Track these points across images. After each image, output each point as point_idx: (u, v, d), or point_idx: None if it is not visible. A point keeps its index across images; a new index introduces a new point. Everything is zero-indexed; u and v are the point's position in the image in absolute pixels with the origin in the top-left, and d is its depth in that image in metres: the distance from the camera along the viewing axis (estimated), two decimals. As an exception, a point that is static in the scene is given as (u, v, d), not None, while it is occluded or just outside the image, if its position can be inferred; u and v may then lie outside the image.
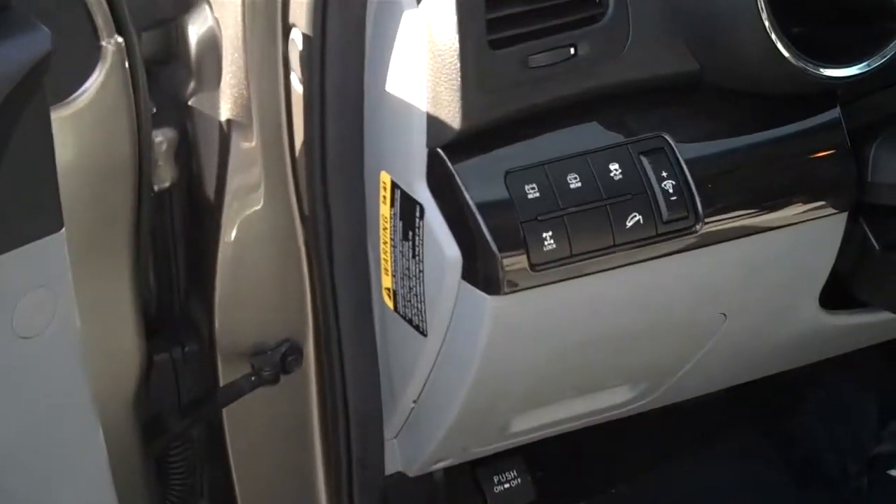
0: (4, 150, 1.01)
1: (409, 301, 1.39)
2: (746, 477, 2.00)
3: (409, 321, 1.40)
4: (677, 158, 1.33)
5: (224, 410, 1.54)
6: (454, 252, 1.31)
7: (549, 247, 1.28)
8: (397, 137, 1.34)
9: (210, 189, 1.46)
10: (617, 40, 1.32)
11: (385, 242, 1.39)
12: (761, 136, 1.38)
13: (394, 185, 1.35)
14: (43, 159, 1.06)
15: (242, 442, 1.57)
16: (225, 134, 1.42)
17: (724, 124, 1.38)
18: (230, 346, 1.50)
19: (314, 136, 1.37)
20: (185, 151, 1.47)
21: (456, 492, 1.76)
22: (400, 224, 1.36)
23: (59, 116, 1.25)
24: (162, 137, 1.44)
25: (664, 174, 1.32)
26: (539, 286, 1.30)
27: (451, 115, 1.28)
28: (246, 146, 1.41)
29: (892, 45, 1.34)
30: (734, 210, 1.36)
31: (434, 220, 1.32)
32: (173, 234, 1.53)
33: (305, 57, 1.34)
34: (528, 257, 1.28)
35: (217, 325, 1.49)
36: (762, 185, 1.38)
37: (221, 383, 1.52)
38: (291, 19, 1.35)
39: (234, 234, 1.45)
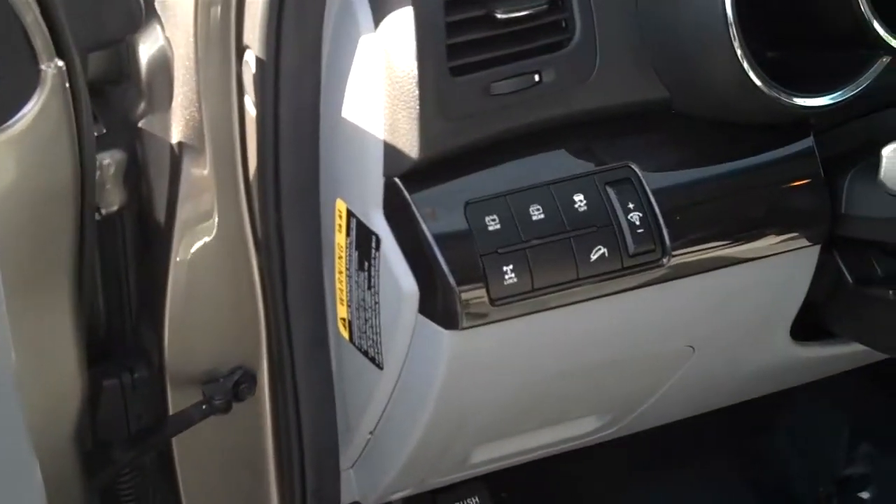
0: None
1: (365, 333, 1.36)
2: (716, 499, 2.00)
3: (365, 353, 1.38)
4: (644, 189, 1.30)
5: (174, 439, 1.51)
6: (411, 285, 1.28)
7: (510, 281, 1.26)
8: (354, 165, 1.31)
9: (161, 213, 1.44)
10: (584, 67, 1.30)
11: (340, 272, 1.36)
12: (732, 166, 1.36)
13: (349, 214, 1.33)
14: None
15: (194, 472, 1.54)
16: (176, 157, 1.39)
17: (694, 154, 1.35)
18: (181, 373, 1.47)
19: (268, 161, 1.34)
20: (135, 174, 1.44)
21: (416, 521, 1.74)
22: (355, 254, 1.33)
23: (-4, 142, 1.22)
24: (110, 160, 1.41)
25: (630, 205, 1.29)
26: (499, 321, 1.28)
27: (410, 144, 1.25)
28: (198, 170, 1.39)
29: (868, 73, 1.32)
30: (703, 243, 1.33)
31: (390, 252, 1.29)
32: (125, 257, 1.51)
33: (259, 79, 1.31)
34: (488, 291, 1.26)
35: (167, 350, 1.46)
36: (732, 217, 1.35)
37: (172, 411, 1.49)
38: (245, 40, 1.32)
39: (185, 257, 1.42)
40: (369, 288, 1.33)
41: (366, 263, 1.32)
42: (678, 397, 1.55)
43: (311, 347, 1.44)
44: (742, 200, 1.35)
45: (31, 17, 1.19)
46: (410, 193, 1.26)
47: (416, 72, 1.23)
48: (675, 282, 1.32)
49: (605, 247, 1.28)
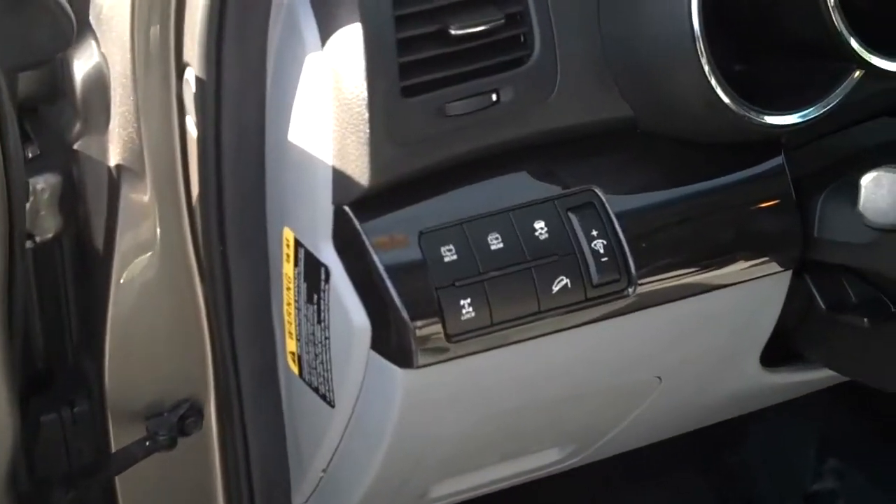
0: None
1: (315, 369, 1.32)
2: (684, 516, 2.00)
3: (316, 390, 1.34)
4: (608, 214, 1.26)
5: (118, 477, 1.47)
6: (362, 320, 1.24)
7: (468, 315, 1.22)
8: (301, 192, 1.27)
9: (100, 239, 1.39)
10: (544, 85, 1.25)
11: (289, 304, 1.32)
12: (699, 188, 1.32)
13: (297, 243, 1.28)
14: None
15: (138, 510, 1.50)
16: (115, 181, 1.35)
17: (660, 175, 1.31)
18: (123, 407, 1.43)
19: (210, 184, 1.30)
20: (72, 199, 1.39)
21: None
22: (304, 286, 1.29)
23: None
24: (44, 184, 1.36)
25: (594, 232, 1.25)
26: (456, 358, 1.24)
27: (360, 170, 1.21)
28: (138, 195, 1.34)
29: (839, 88, 1.28)
30: (670, 270, 1.29)
31: (340, 284, 1.25)
32: (64, 284, 1.47)
33: (199, 98, 1.26)
34: (444, 327, 1.22)
35: (108, 382, 1.41)
36: (700, 243, 1.31)
37: (114, 446, 1.45)
38: (185, 57, 1.27)
39: (126, 285, 1.37)
40: (319, 322, 1.28)
41: (315, 296, 1.27)
42: (644, 426, 1.52)
43: (259, 380, 1.40)
44: (710, 224, 1.32)
45: None
46: (361, 222, 1.22)
47: (365, 93, 1.19)
48: (641, 312, 1.29)
49: (567, 277, 1.24)
